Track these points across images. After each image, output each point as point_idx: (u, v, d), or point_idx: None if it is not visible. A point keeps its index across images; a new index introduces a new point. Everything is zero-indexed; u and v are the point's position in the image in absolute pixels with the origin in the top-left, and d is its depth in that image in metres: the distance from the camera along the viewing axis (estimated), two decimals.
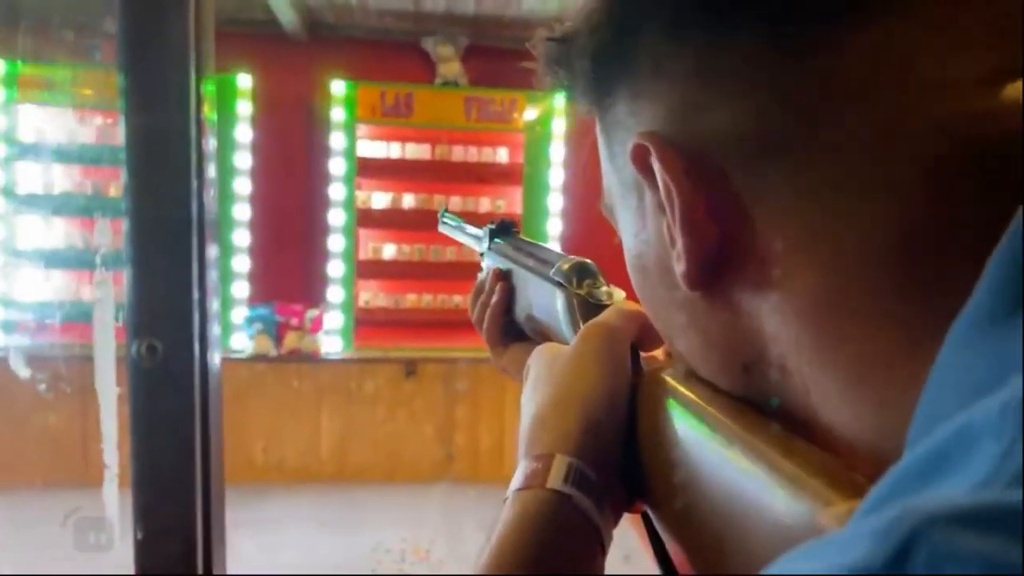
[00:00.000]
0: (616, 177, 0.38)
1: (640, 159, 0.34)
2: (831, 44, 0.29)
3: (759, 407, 0.34)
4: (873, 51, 0.28)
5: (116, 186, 3.76)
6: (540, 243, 0.67)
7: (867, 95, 0.28)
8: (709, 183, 0.32)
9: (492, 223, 0.75)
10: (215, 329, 0.57)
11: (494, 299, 0.67)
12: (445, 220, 0.89)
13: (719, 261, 0.32)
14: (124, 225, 0.51)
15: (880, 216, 0.28)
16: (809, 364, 0.31)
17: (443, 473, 3.97)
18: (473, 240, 0.80)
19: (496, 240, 0.73)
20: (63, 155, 3.87)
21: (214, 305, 0.56)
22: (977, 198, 0.27)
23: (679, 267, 0.33)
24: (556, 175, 4.27)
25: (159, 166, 0.53)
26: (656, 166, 0.33)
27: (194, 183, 0.51)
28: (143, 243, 0.52)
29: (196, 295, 0.53)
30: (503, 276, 0.68)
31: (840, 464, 0.29)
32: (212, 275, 0.55)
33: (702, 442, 0.36)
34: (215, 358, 0.55)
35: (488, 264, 0.73)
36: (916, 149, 0.28)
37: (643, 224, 0.37)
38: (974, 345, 0.23)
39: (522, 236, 0.73)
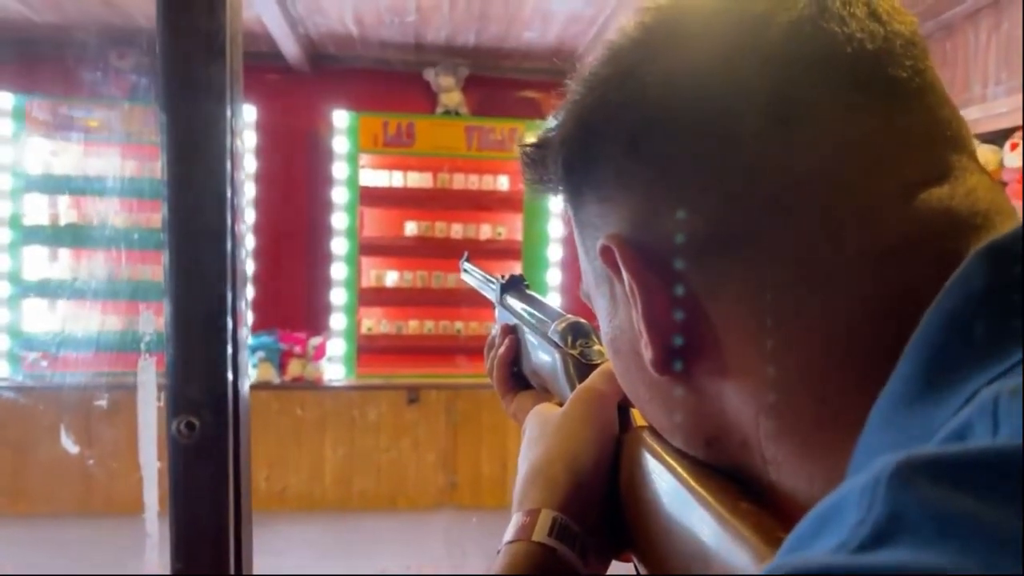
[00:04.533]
0: (590, 267, 0.43)
1: (607, 257, 0.38)
2: (770, 160, 0.33)
3: (720, 469, 0.38)
4: (808, 167, 0.33)
5: (122, 216, 3.81)
6: (544, 300, 0.71)
7: (799, 204, 0.33)
8: (668, 281, 0.36)
9: (503, 277, 0.79)
10: (246, 406, 0.61)
11: (501, 352, 0.71)
12: (466, 269, 0.93)
13: (681, 350, 0.36)
14: (165, 310, 0.56)
15: (818, 309, 0.32)
16: (766, 440, 0.35)
17: (446, 500, 3.98)
18: (489, 291, 0.83)
19: (506, 295, 0.76)
20: (69, 187, 3.91)
21: (245, 385, 0.61)
22: (899, 294, 0.31)
23: (647, 354, 0.37)
24: (556, 201, 4.30)
25: (201, 253, 0.57)
26: (620, 265, 0.37)
27: (229, 269, 0.56)
28: (182, 330, 0.57)
29: (230, 376, 0.57)
30: (511, 331, 0.72)
31: (774, 524, 0.34)
32: (244, 356, 0.60)
33: (671, 497, 0.40)
34: (246, 432, 0.59)
35: (499, 317, 0.77)
36: (847, 252, 0.32)
37: (615, 311, 0.41)
38: (887, 424, 0.27)
39: (530, 291, 0.77)
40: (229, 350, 0.57)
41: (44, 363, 3.73)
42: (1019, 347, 0.24)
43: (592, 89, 0.39)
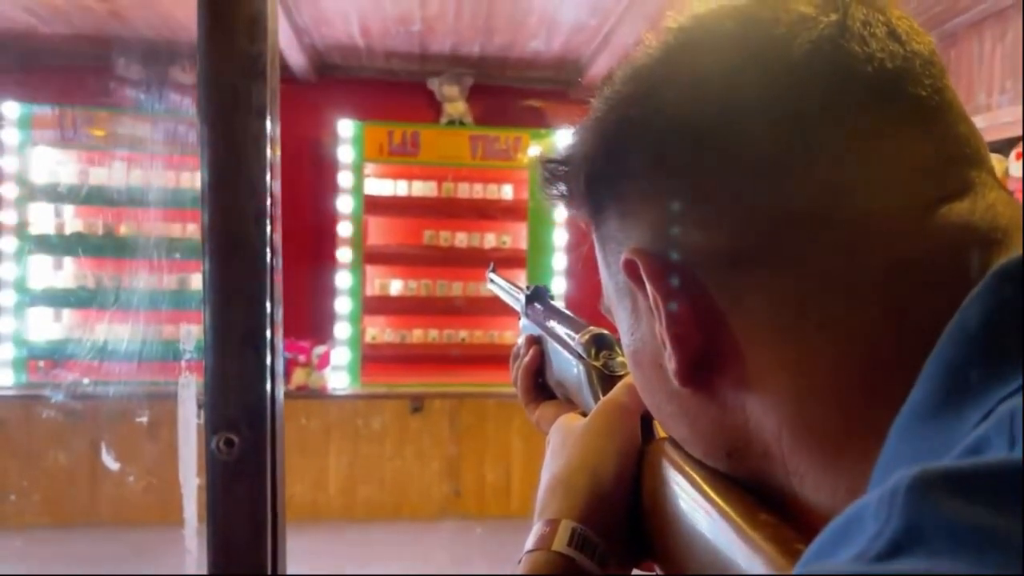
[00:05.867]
0: (611, 281, 0.43)
1: (630, 271, 0.38)
2: (791, 176, 0.34)
3: (741, 481, 0.39)
4: (828, 184, 0.33)
5: (126, 225, 3.82)
6: (567, 312, 0.71)
7: (821, 219, 0.33)
8: (691, 294, 0.36)
9: (528, 288, 0.79)
10: (282, 419, 0.61)
11: (526, 361, 0.71)
12: (492, 280, 0.94)
13: (704, 362, 0.37)
14: (204, 324, 0.56)
15: (840, 322, 0.33)
16: (789, 451, 0.35)
17: (450, 509, 3.97)
18: (513, 301, 0.84)
19: (531, 305, 0.77)
20: (74, 196, 3.92)
21: (280, 397, 0.61)
22: (920, 307, 0.31)
23: (669, 366, 0.38)
24: (560, 211, 4.31)
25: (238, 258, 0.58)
26: (644, 278, 0.37)
27: (268, 281, 0.56)
28: (221, 344, 0.57)
29: (269, 389, 0.57)
30: (535, 341, 0.72)
31: (793, 536, 0.34)
32: (280, 367, 0.60)
33: (691, 508, 0.41)
34: (282, 445, 0.59)
35: (524, 327, 0.77)
36: (869, 267, 0.32)
37: (637, 324, 0.41)
38: (908, 436, 0.28)
39: (554, 302, 0.77)
40: (268, 363, 0.57)
41: (54, 371, 3.72)
42: None
43: (615, 107, 0.40)
